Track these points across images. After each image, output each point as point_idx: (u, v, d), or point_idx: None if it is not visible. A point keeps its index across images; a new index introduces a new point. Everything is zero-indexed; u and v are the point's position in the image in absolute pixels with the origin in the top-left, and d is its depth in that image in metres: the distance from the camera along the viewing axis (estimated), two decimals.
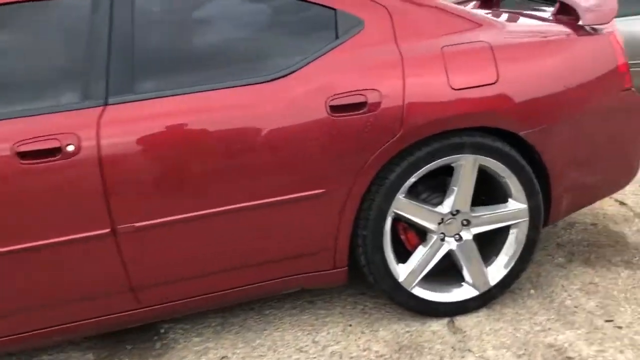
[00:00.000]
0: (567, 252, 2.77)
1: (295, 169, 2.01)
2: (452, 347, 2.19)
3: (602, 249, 2.78)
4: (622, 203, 3.21)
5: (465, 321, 2.33)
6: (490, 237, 2.36)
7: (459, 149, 2.14)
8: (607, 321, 2.27)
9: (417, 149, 2.10)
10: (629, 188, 3.29)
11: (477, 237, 2.32)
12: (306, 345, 2.26)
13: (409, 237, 2.33)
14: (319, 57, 2.04)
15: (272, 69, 2.01)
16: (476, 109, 2.10)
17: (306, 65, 2.02)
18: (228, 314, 2.49)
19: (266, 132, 1.96)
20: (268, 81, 1.99)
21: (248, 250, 2.10)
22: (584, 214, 3.10)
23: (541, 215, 2.33)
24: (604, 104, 2.30)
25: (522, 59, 2.18)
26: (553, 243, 2.87)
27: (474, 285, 2.35)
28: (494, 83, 2.11)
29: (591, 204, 2.61)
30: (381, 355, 2.18)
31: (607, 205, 3.19)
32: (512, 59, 2.15)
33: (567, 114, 2.23)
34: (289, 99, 1.98)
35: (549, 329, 2.25)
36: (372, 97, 2.01)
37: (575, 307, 2.36)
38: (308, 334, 2.33)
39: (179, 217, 1.96)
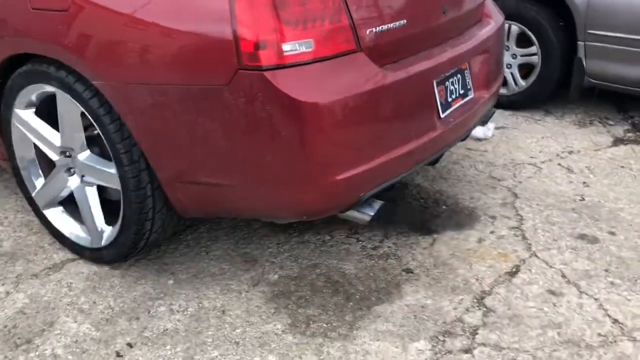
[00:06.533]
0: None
1: None
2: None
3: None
4: None
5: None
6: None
7: (47, 79, 1.96)
8: None
9: (19, 65, 2.06)
10: None
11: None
12: None
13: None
14: None
15: None
16: (40, 37, 1.88)
17: None
18: None
19: None
20: None
21: None
22: None
23: (131, 191, 1.94)
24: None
25: None
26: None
27: (89, 235, 2.22)
28: (64, 10, 1.79)
29: (238, 217, 2.33)
30: None
31: None
32: None
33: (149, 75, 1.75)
34: None
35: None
36: None
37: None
38: None
39: None
